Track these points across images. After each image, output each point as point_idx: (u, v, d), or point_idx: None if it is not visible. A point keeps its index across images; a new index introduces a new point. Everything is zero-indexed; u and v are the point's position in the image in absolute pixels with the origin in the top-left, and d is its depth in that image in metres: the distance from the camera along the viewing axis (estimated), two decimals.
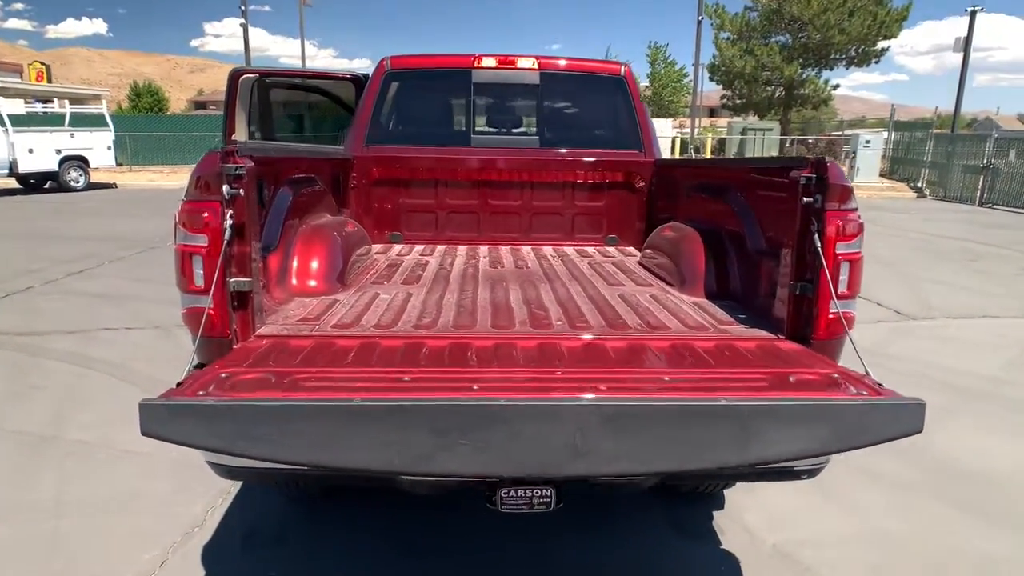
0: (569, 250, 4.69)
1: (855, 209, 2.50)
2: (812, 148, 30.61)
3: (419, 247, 4.68)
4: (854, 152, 24.88)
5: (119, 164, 23.27)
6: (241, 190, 2.28)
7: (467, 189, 4.77)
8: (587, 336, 2.53)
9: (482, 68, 4.69)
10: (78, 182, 20.59)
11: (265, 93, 5.84)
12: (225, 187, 2.24)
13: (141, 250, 10.67)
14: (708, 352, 2.36)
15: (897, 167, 25.88)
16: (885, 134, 26.38)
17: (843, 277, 2.46)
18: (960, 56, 24.37)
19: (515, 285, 3.41)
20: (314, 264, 3.12)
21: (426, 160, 4.68)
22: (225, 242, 2.23)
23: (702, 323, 2.73)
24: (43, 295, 7.79)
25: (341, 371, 2.05)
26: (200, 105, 62.40)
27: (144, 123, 30.85)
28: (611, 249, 4.78)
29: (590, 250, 4.72)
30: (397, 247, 4.66)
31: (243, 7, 23.49)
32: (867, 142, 24.70)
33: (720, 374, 2.11)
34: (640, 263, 4.13)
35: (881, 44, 31.79)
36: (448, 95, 4.95)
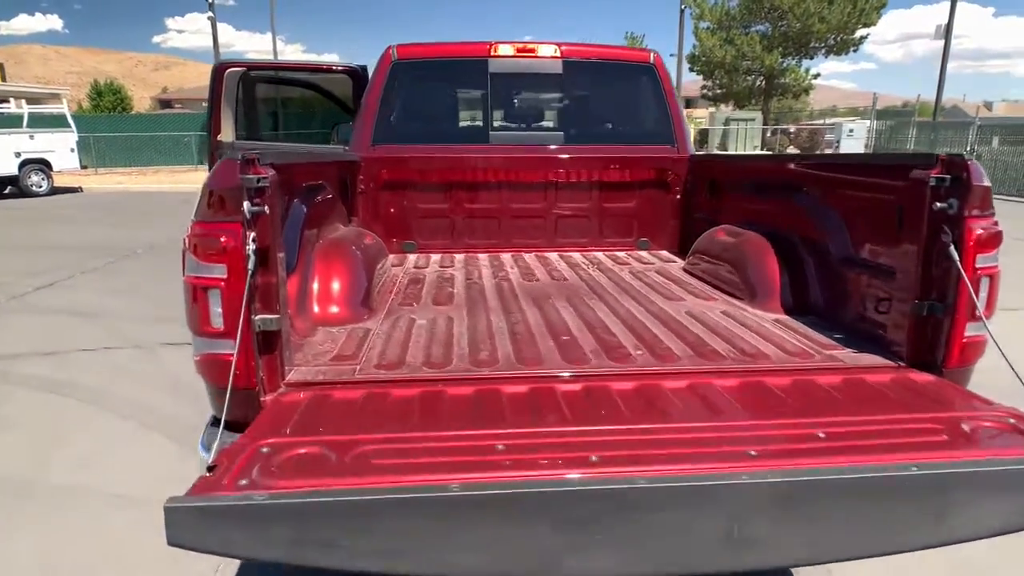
0: (599, 256, 4.30)
1: (994, 214, 2.13)
2: (795, 138, 30.57)
3: (435, 257, 4.24)
4: (838, 141, 24.86)
5: (84, 167, 22.32)
6: (266, 207, 1.84)
7: (486, 191, 4.34)
8: (681, 369, 2.13)
9: (499, 57, 4.26)
10: (40, 187, 19.60)
11: (250, 88, 5.33)
12: (246, 204, 1.79)
13: (115, 259, 10.04)
14: (838, 390, 1.97)
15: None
16: (868, 122, 26.40)
17: (982, 294, 2.09)
18: (941, 43, 24.39)
19: (563, 303, 3.00)
20: (336, 286, 2.67)
21: (440, 160, 4.24)
22: (249, 272, 1.78)
23: (802, 347, 2.35)
24: (10, 312, 7.16)
25: (413, 437, 1.62)
26: (166, 104, 60.55)
27: (108, 123, 29.69)
28: (644, 254, 4.39)
29: (622, 255, 4.33)
30: (412, 257, 4.21)
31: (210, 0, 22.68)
32: (851, 131, 24.69)
33: (876, 424, 1.72)
34: (686, 271, 3.75)
35: (860, 32, 31.84)
36: (462, 87, 4.52)
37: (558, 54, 4.30)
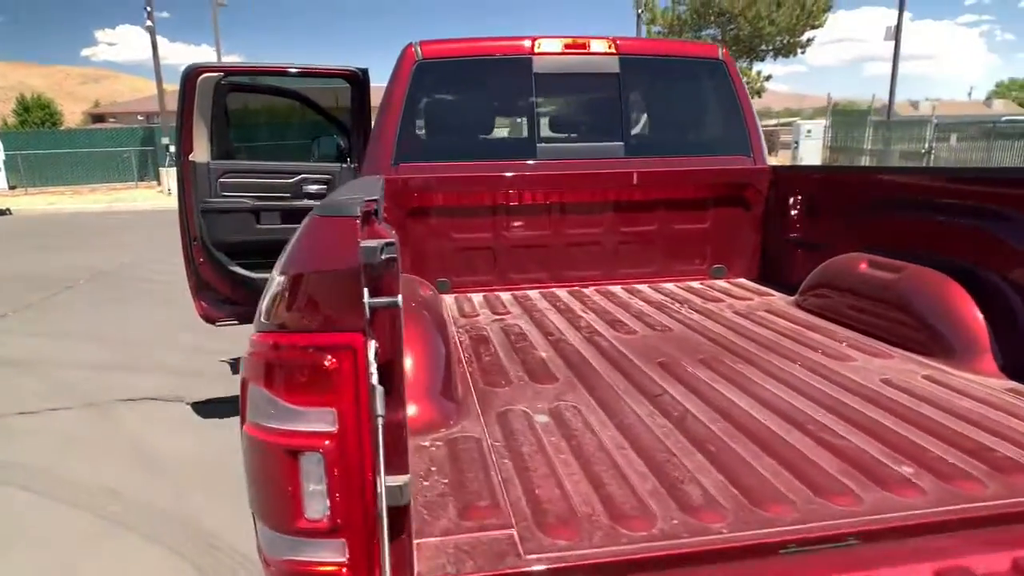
0: (673, 288, 3.60)
1: None
2: None
3: (477, 298, 3.46)
4: (796, 142, 24.91)
5: (12, 187, 20.53)
6: (398, 296, 1.04)
7: (534, 215, 3.58)
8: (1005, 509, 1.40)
9: (544, 54, 3.53)
10: None
11: (222, 97, 4.43)
12: (366, 295, 1.00)
13: (53, 292, 8.84)
14: None
15: (837, 156, 26.09)
16: (823, 122, 26.61)
17: None
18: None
19: (703, 370, 2.27)
20: (411, 371, 1.85)
21: (480, 180, 3.47)
22: (379, 418, 0.98)
23: None
24: None
25: None
26: (98, 118, 57.28)
27: (38, 140, 27.55)
28: (723, 283, 3.70)
29: (698, 286, 3.64)
30: (449, 300, 3.41)
31: (149, 8, 21.15)
32: (808, 132, 24.77)
33: None
34: (806, 309, 3.07)
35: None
36: (501, 91, 3.77)
37: (613, 50, 3.59)
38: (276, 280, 1.06)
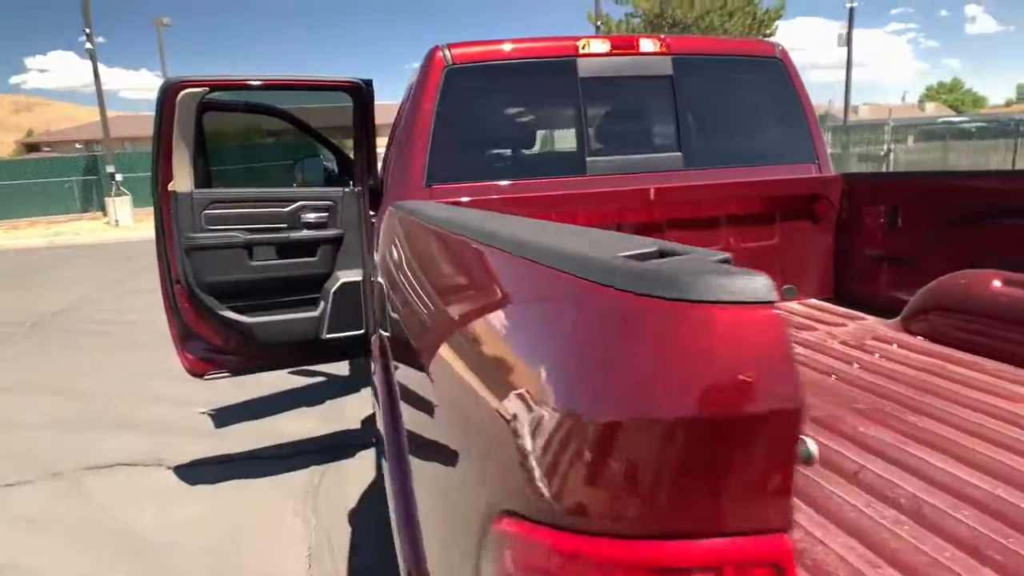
0: None
1: None
2: None
3: None
4: None
5: None
6: (812, 444, 0.55)
7: None
8: None
9: (590, 56, 3.09)
10: None
11: (199, 116, 3.86)
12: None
13: None
14: None
15: None
16: None
17: None
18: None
19: (866, 425, 1.84)
20: None
21: (527, 201, 2.99)
22: None
23: None
24: None
25: None
26: (32, 147, 54.60)
27: None
28: (796, 305, 3.30)
29: None
30: None
31: (88, 30, 20.06)
32: None
33: None
34: (911, 331, 2.68)
35: None
36: (544, 99, 3.31)
37: (663, 49, 3.19)
38: (546, 418, 0.55)
